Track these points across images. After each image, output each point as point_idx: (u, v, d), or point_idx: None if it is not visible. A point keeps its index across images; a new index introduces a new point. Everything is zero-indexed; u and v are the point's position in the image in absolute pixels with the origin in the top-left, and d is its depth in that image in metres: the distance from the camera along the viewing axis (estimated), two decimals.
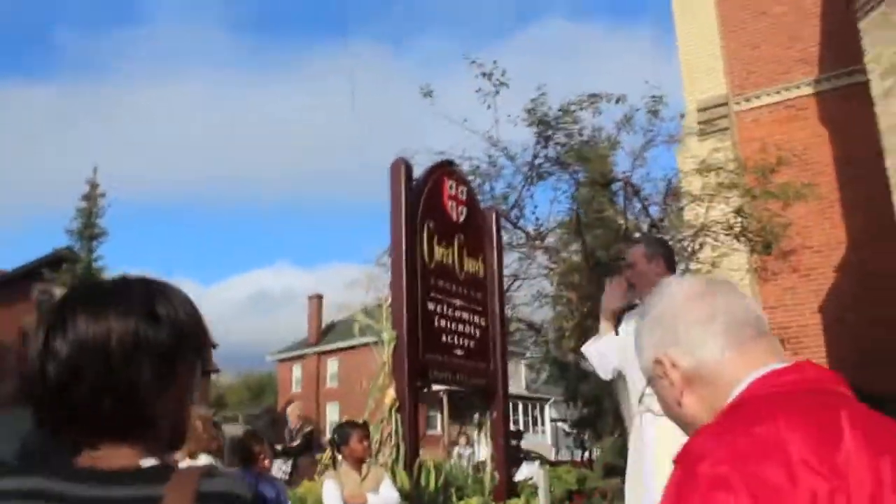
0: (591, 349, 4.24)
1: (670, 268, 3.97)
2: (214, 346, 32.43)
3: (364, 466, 4.93)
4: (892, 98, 7.42)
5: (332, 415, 41.01)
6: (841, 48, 12.83)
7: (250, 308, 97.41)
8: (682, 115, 12.78)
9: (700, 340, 1.23)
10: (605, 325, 4.13)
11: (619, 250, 11.31)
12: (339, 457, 5.08)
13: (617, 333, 4.17)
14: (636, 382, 3.77)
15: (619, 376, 4.08)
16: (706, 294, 1.27)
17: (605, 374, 4.18)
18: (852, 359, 10.70)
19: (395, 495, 4.83)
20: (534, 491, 6.86)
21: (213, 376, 35.87)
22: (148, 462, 1.09)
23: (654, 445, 3.61)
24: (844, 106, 12.45)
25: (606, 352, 4.10)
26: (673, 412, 1.29)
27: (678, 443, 3.41)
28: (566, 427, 41.29)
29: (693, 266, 10.44)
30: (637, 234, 10.68)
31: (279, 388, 48.71)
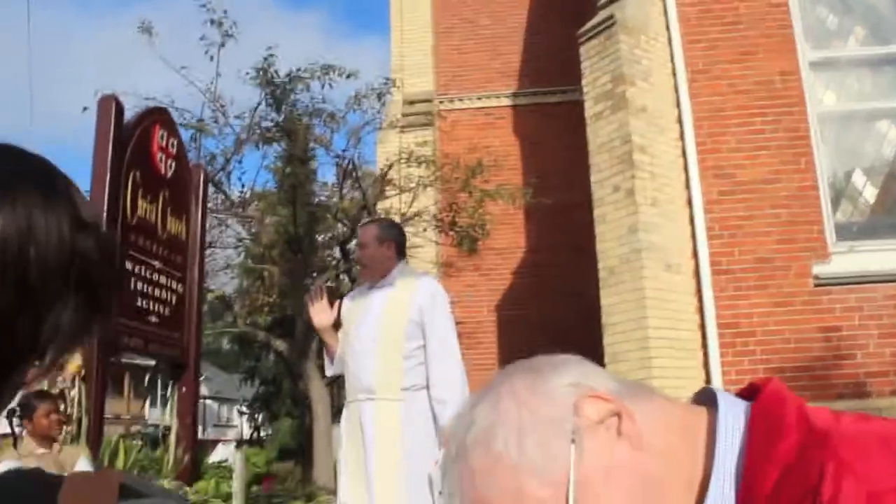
0: (332, 373, 4.15)
1: (401, 254, 3.98)
2: None
3: (57, 445, 4.21)
4: (602, 121, 8.01)
5: None
6: (537, 69, 13.80)
7: None
8: (405, 102, 12.91)
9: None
10: (331, 342, 4.00)
11: (321, 228, 11.15)
12: (23, 432, 4.29)
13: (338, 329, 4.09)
14: (358, 369, 3.75)
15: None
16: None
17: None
18: (521, 355, 11.49)
19: None
20: (226, 474, 6.42)
21: None
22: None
23: (373, 434, 3.64)
24: (536, 122, 13.40)
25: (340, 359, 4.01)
26: (636, 481, 0.79)
27: (397, 426, 3.30)
28: (213, 403, 40.30)
29: None
30: (340, 214, 10.58)
31: None
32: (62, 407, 4.71)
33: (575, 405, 0.79)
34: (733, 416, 0.80)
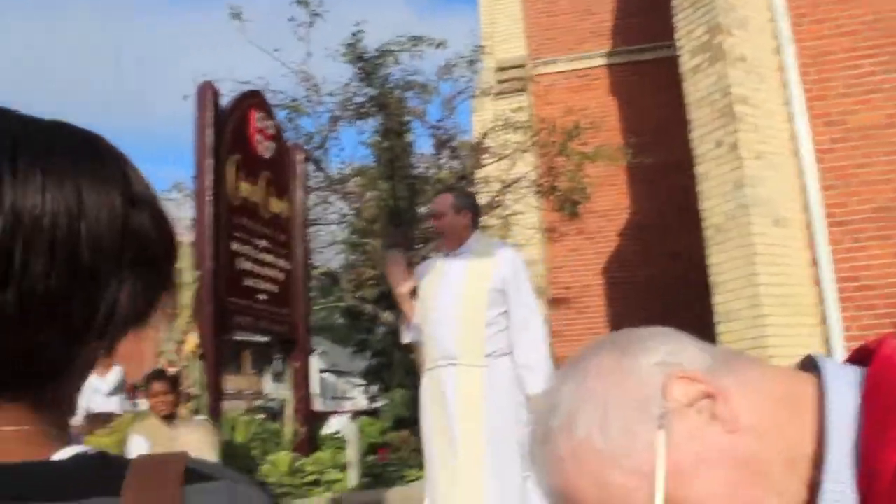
0: (408, 339, 4.13)
1: (475, 223, 4.03)
2: None
3: (179, 420, 4.40)
4: (700, 74, 7.74)
5: None
6: (631, 26, 13.43)
7: None
8: (498, 68, 12.81)
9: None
10: (408, 309, 4.00)
11: (420, 200, 11.22)
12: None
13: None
14: (438, 336, 3.77)
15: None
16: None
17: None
18: (629, 319, 11.32)
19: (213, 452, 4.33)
20: (342, 444, 6.58)
21: None
22: (61, 448, 0.58)
23: (456, 402, 3.67)
24: (632, 80, 13.06)
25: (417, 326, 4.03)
26: (728, 466, 0.71)
27: (480, 392, 3.28)
28: (333, 378, 41.44)
29: (491, 221, 10.55)
30: (438, 185, 10.60)
31: None
32: (179, 386, 4.90)
33: (663, 387, 0.73)
34: (843, 386, 0.72)
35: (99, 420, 6.64)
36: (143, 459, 0.57)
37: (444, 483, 3.70)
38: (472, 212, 3.98)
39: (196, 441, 4.07)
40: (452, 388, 3.68)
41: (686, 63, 8.03)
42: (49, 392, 0.59)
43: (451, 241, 3.90)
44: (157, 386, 4.34)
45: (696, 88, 7.79)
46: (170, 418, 4.34)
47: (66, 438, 0.60)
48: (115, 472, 0.55)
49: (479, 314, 3.68)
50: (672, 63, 8.78)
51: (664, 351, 0.76)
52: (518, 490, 3.56)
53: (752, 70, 7.51)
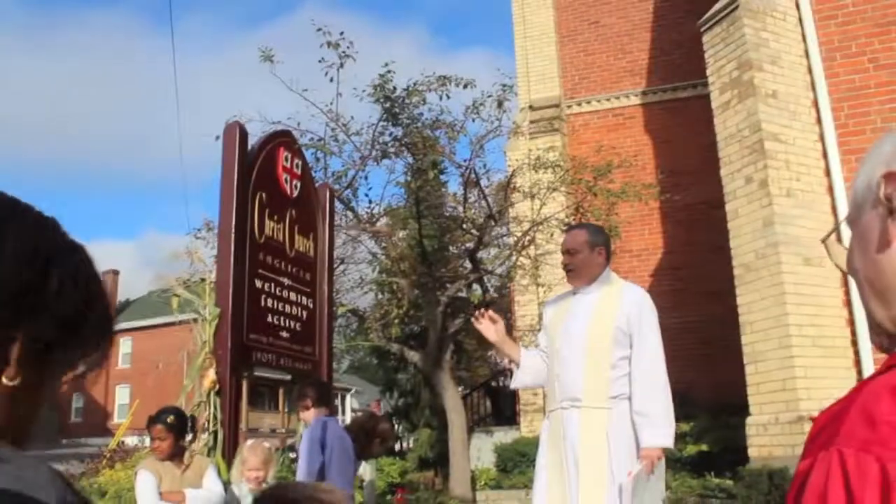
0: (518, 383, 4.06)
1: (609, 258, 3.83)
2: None
3: (186, 455, 4.34)
4: (730, 111, 7.63)
5: (123, 398, 38.73)
6: (667, 64, 13.37)
7: None
8: (532, 108, 12.79)
9: None
10: (511, 353, 3.94)
11: (449, 239, 11.17)
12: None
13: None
14: (563, 376, 3.64)
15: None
16: None
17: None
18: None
19: (219, 489, 4.26)
20: (358, 483, 6.46)
21: None
22: None
23: (580, 442, 3.52)
24: (668, 119, 12.97)
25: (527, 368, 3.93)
26: (867, 260, 0.82)
27: (604, 434, 3.11)
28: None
29: (521, 260, 10.44)
30: (466, 225, 10.55)
31: None
32: (186, 426, 4.81)
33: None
34: None
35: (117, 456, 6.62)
36: None
37: None
38: (607, 248, 3.80)
39: (197, 477, 4.01)
40: (576, 429, 3.53)
41: (716, 99, 7.94)
42: None
43: (582, 279, 3.73)
44: (155, 431, 4.30)
45: (726, 125, 7.68)
46: (171, 458, 4.28)
47: None
48: None
49: (605, 354, 3.53)
50: (708, 101, 8.69)
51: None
52: None
53: (783, 106, 7.39)
